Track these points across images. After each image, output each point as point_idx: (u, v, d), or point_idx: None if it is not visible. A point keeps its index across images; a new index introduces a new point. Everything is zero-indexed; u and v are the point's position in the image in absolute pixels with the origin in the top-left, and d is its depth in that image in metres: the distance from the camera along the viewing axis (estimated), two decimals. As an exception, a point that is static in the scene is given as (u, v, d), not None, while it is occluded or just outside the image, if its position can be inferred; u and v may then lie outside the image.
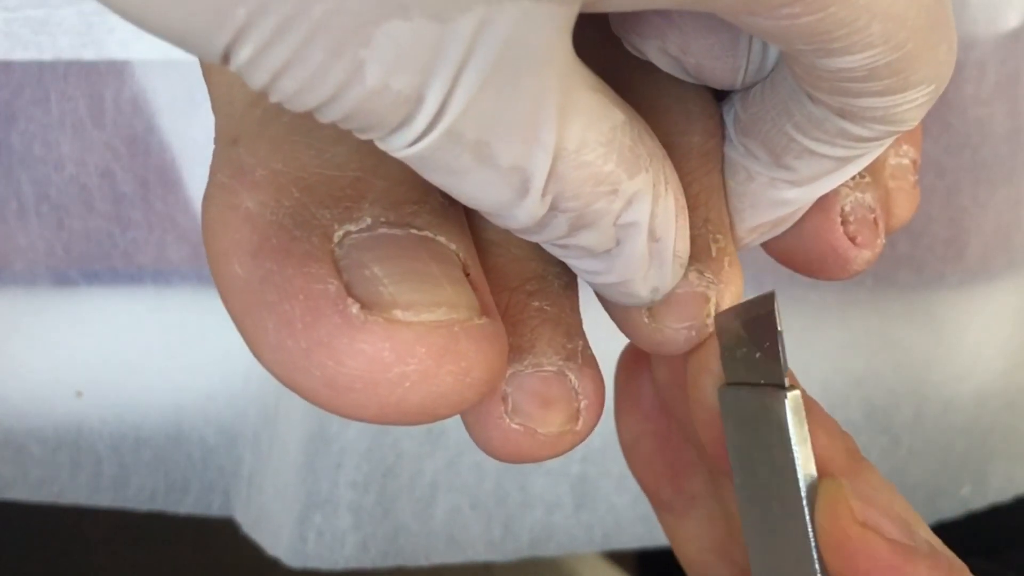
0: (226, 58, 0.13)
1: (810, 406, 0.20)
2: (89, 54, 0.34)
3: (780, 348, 0.19)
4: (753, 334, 0.19)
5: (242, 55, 0.13)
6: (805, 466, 0.19)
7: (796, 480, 0.19)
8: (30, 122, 0.34)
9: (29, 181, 0.35)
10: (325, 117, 0.14)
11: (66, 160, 0.34)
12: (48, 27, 0.33)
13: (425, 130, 0.14)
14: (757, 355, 0.19)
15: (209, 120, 0.19)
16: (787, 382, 0.19)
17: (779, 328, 0.19)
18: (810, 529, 0.19)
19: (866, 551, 0.18)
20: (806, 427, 0.19)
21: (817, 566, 0.19)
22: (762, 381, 0.19)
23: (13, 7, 0.33)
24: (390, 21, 0.13)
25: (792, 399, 0.19)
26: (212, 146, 0.18)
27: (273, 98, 0.14)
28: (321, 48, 0.13)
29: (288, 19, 0.13)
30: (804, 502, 0.19)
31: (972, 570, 0.19)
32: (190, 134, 0.35)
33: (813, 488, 0.19)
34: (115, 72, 0.34)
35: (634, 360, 0.25)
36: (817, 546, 0.19)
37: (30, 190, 0.35)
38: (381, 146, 0.15)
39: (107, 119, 0.34)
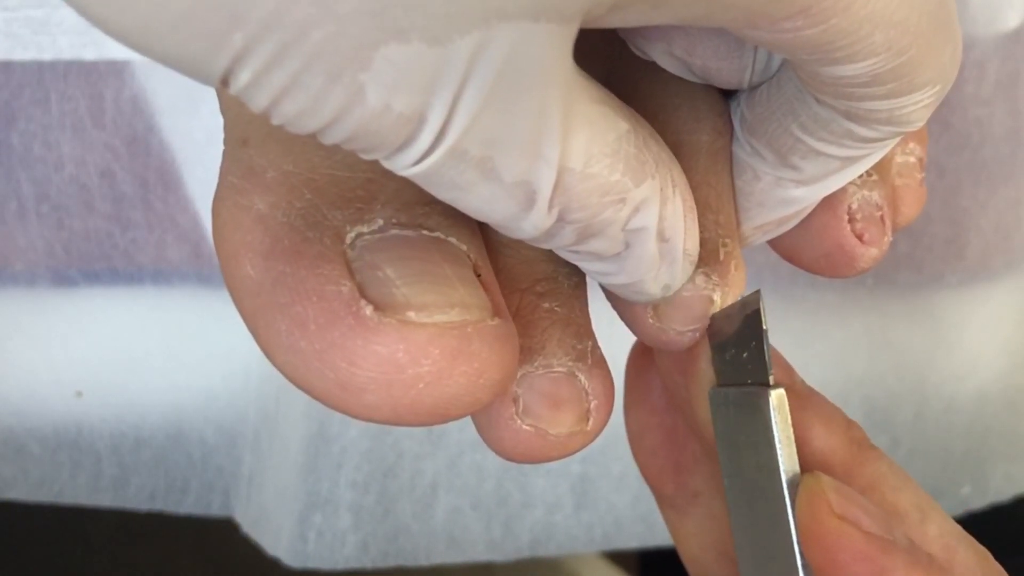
0: (225, 82, 0.13)
1: (810, 397, 0.20)
2: (89, 54, 0.34)
3: (765, 346, 0.19)
4: (741, 334, 0.19)
5: (241, 80, 0.13)
6: (788, 463, 0.19)
7: (780, 477, 0.19)
8: (30, 122, 0.34)
9: (29, 181, 0.34)
10: (328, 139, 0.14)
11: (66, 160, 0.34)
12: (48, 27, 0.33)
13: (429, 149, 0.14)
14: (744, 355, 0.19)
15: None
16: (772, 380, 0.19)
17: (764, 327, 0.19)
18: (792, 525, 0.19)
19: (843, 544, 0.18)
20: (790, 425, 0.19)
21: (799, 562, 0.19)
22: (749, 381, 0.20)
23: (13, 7, 0.33)
24: (388, 45, 0.13)
25: (776, 397, 0.19)
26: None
27: (275, 121, 0.13)
28: (320, 72, 0.13)
29: (286, 45, 0.12)
30: (787, 499, 0.19)
31: None
32: (190, 134, 0.35)
33: (796, 485, 0.19)
34: (115, 72, 0.34)
35: (644, 353, 0.25)
36: (799, 542, 0.19)
37: (30, 190, 0.34)
38: (386, 165, 0.15)
39: (107, 119, 0.34)
